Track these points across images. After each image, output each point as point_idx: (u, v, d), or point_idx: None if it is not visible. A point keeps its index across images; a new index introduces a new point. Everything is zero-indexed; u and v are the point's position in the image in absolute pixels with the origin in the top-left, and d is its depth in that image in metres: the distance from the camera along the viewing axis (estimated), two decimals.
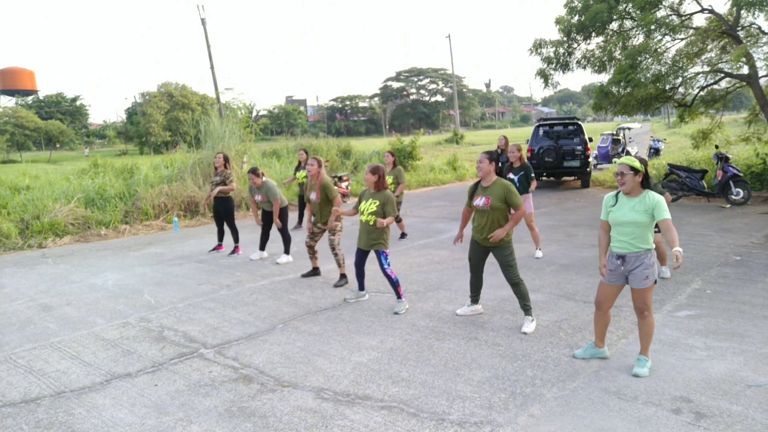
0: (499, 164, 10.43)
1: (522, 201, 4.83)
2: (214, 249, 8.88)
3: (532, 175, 7.55)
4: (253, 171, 7.86)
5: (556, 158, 14.52)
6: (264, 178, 7.90)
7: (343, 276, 6.63)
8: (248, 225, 11.55)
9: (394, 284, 5.51)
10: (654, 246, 3.98)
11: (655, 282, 3.95)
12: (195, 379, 4.17)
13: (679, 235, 8.32)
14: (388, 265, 5.52)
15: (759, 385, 3.67)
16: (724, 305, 5.29)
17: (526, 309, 4.90)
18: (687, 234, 8.56)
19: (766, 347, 4.29)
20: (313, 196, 6.60)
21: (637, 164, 3.91)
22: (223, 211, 8.49)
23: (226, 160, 8.57)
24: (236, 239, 8.58)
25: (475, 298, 5.31)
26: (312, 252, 6.91)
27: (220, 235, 8.82)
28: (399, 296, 5.54)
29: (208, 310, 5.84)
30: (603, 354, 4.25)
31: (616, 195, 4.07)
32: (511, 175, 7.66)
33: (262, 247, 8.21)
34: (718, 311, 5.13)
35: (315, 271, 7.05)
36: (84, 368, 4.44)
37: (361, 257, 5.72)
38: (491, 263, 5.25)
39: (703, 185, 11.67)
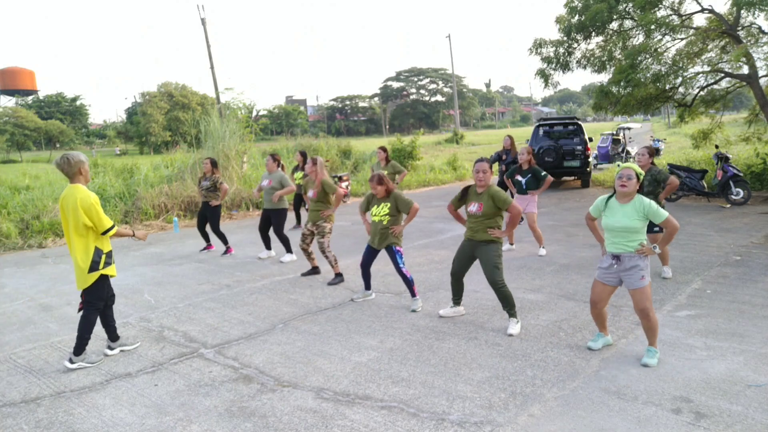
0: (500, 164, 10.51)
1: (511, 200, 4.82)
2: (204, 249, 8.89)
3: (543, 174, 7.58)
4: (273, 156, 8.18)
5: (556, 158, 14.51)
6: (278, 168, 8.16)
7: (337, 275, 6.65)
8: (247, 225, 11.56)
9: (410, 283, 5.54)
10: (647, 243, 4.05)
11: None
12: (195, 379, 4.17)
13: (679, 235, 8.39)
14: (403, 264, 5.52)
15: (759, 385, 3.67)
16: (724, 305, 5.28)
17: (511, 314, 4.85)
18: (687, 234, 8.56)
19: (766, 347, 4.28)
20: (311, 193, 6.66)
21: (640, 171, 4.06)
22: (210, 216, 8.48)
23: (214, 164, 8.52)
24: (225, 242, 8.59)
25: (457, 300, 5.30)
26: (307, 254, 6.93)
27: (205, 236, 8.86)
28: (414, 294, 5.56)
29: (208, 310, 5.84)
30: (609, 342, 4.43)
31: (607, 199, 4.14)
32: (518, 177, 7.75)
33: (268, 247, 8.27)
34: (718, 311, 5.13)
35: (315, 270, 7.07)
36: (84, 368, 4.44)
37: (369, 256, 5.70)
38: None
39: (703, 185, 11.66)
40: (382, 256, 6.01)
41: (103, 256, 4.42)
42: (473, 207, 4.89)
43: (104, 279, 4.49)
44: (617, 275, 4.10)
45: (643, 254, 3.98)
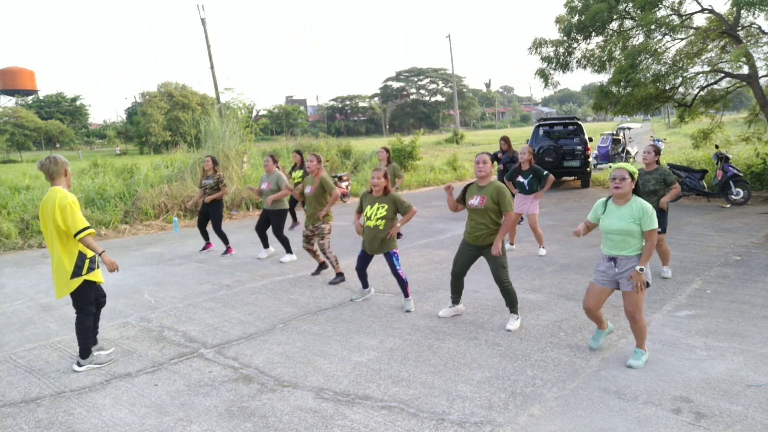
0: (498, 163, 10.46)
1: (513, 208, 4.82)
2: (204, 249, 8.91)
3: (545, 173, 7.55)
4: (272, 157, 8.15)
5: (556, 158, 14.51)
6: (276, 169, 8.14)
7: (338, 275, 6.66)
8: (247, 225, 11.55)
9: (404, 284, 5.54)
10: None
11: (648, 285, 3.98)
12: (195, 379, 4.17)
13: (679, 235, 8.40)
14: (400, 266, 5.51)
15: (759, 385, 3.67)
16: (724, 305, 5.28)
17: (513, 311, 4.93)
18: (687, 234, 8.55)
19: (766, 347, 4.28)
20: (308, 189, 6.64)
21: (633, 170, 4.00)
22: (212, 215, 8.49)
23: (215, 162, 8.59)
24: (226, 242, 8.60)
25: (456, 299, 5.31)
26: (312, 253, 6.93)
27: (205, 235, 8.87)
28: (407, 295, 5.57)
29: (208, 310, 5.84)
30: (609, 330, 4.44)
31: (606, 201, 4.11)
32: (520, 178, 7.69)
33: (266, 245, 8.26)
34: (718, 311, 5.13)
35: (322, 266, 7.08)
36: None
37: (363, 261, 5.68)
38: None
39: (703, 185, 11.66)
40: (380, 257, 6.01)
41: (87, 261, 4.31)
42: (475, 200, 4.87)
43: (89, 284, 4.37)
44: (614, 278, 4.08)
45: (634, 280, 3.91)
